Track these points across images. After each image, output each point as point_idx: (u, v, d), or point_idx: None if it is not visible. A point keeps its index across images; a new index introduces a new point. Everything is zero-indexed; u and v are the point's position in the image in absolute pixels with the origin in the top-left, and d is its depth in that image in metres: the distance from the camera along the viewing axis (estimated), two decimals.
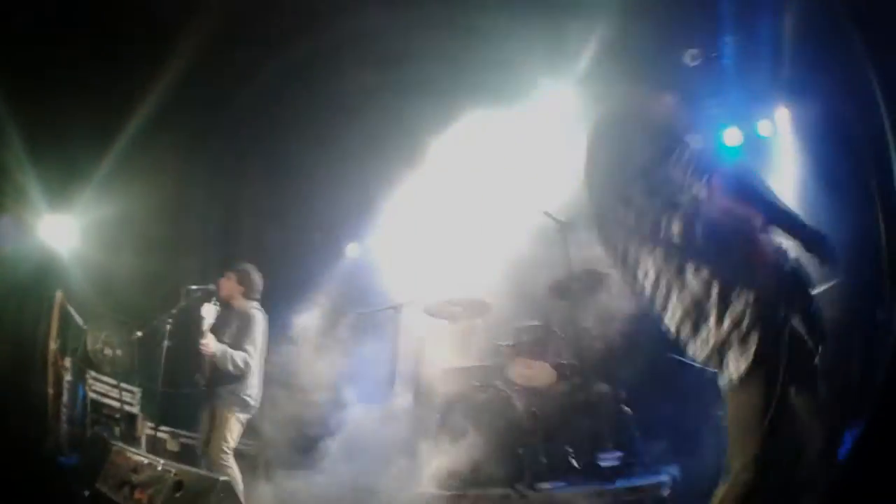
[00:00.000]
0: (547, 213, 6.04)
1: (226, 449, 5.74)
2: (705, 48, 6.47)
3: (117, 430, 7.42)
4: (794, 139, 6.44)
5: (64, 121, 6.53)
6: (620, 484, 4.99)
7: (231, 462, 5.74)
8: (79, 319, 7.28)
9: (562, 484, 5.09)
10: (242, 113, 7.65)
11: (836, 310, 4.60)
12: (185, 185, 7.54)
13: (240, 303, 6.25)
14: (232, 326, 6.09)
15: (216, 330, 6.05)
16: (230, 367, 5.82)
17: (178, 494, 4.25)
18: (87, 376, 7.43)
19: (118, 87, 6.70)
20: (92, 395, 7.43)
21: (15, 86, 6.06)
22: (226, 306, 6.24)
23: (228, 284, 6.23)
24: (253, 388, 6.01)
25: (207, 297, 6.17)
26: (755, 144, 6.69)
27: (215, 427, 5.82)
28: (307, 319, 8.06)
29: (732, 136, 6.68)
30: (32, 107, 6.29)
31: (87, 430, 7.08)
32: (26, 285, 7.11)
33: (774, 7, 6.11)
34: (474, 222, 7.24)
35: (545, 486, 5.02)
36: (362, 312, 7.54)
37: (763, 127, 6.71)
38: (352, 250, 9.07)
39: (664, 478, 5.05)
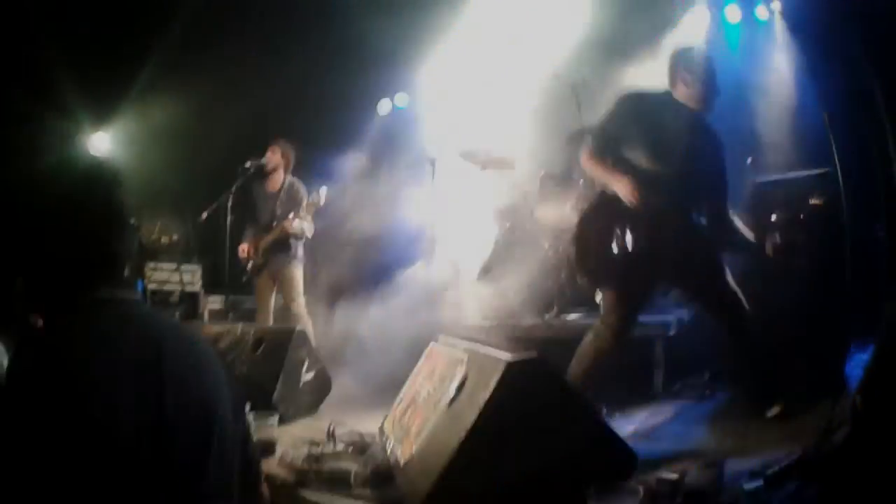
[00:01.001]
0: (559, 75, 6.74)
1: (300, 301, 6.94)
2: None
3: (177, 313, 8.57)
4: (787, 26, 6.90)
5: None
6: None
7: (305, 313, 6.92)
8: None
9: (583, 314, 5.92)
10: None
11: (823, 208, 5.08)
12: (221, 72, 8.33)
13: (284, 174, 7.27)
14: (282, 197, 7.13)
15: (273, 202, 7.14)
16: (298, 236, 6.95)
17: (258, 351, 5.11)
18: (146, 269, 8.49)
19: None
20: (151, 285, 8.48)
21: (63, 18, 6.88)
22: (271, 179, 7.25)
23: (274, 158, 7.18)
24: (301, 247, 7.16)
25: (259, 170, 7.16)
26: (753, 27, 7.20)
27: (286, 288, 6.99)
28: (351, 169, 9.05)
29: (733, 14, 7.23)
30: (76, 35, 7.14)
31: None
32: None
33: None
34: (502, 79, 7.98)
35: (569, 316, 5.89)
36: (399, 167, 8.49)
37: (760, 11, 7.18)
38: (387, 106, 9.99)
39: (670, 318, 5.54)
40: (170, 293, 8.65)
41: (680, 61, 4.37)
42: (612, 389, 4.79)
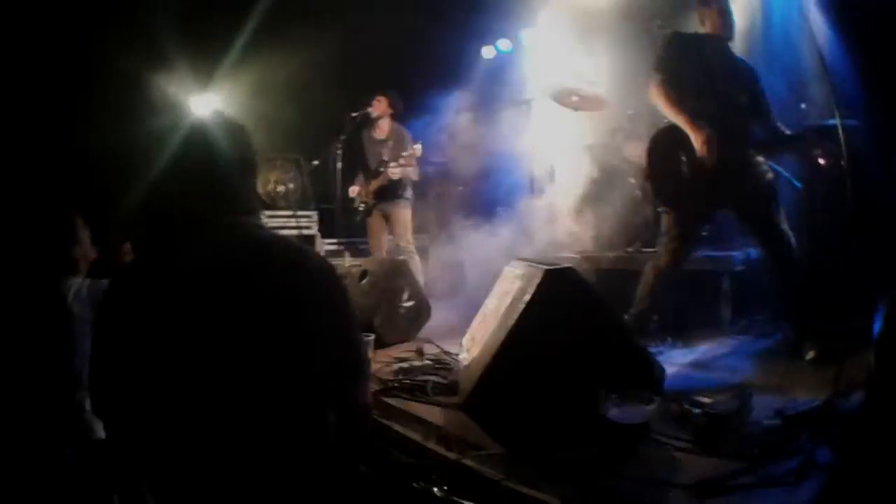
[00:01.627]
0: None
1: (409, 238, 7.64)
2: None
3: None
4: None
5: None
6: (701, 253, 5.66)
7: (414, 249, 7.60)
8: None
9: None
10: None
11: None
12: (329, 23, 8.90)
13: (390, 122, 7.87)
14: (390, 144, 7.74)
15: (381, 149, 7.76)
16: (407, 180, 7.61)
17: (364, 281, 5.69)
18: (263, 217, 9.21)
19: None
20: None
21: None
22: (378, 126, 7.86)
23: (380, 106, 7.79)
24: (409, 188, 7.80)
25: (366, 119, 7.78)
26: None
27: (395, 227, 7.70)
28: (457, 109, 9.57)
29: None
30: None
31: None
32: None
33: None
34: (599, 27, 8.20)
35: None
36: (502, 107, 9.02)
37: None
38: (489, 51, 10.33)
39: (738, 254, 5.76)
40: (292, 236, 9.35)
41: (703, 12, 4.82)
42: (680, 321, 5.20)
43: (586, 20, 8.30)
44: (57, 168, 7.24)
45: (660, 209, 4.91)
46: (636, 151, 6.82)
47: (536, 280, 2.90)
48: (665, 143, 4.76)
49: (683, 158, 4.61)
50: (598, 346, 2.89)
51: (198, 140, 2.23)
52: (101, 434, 2.92)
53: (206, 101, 9.27)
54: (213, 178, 2.20)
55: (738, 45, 5.18)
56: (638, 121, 6.97)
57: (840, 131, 3.50)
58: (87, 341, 3.21)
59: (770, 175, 4.76)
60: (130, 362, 2.00)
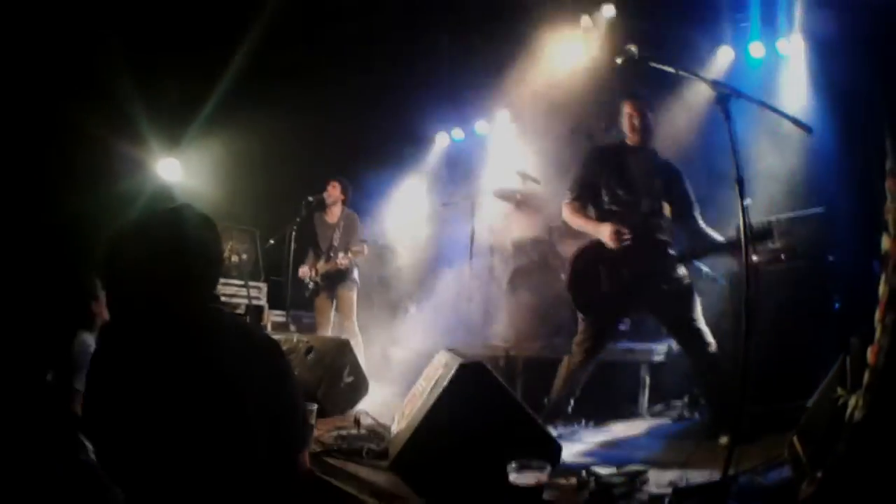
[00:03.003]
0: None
1: (354, 319, 8.30)
2: None
3: None
4: (806, 60, 7.48)
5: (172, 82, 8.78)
6: (621, 345, 6.41)
7: (357, 329, 8.24)
8: None
9: None
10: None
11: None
12: (289, 102, 9.69)
13: (342, 207, 8.63)
14: (340, 228, 8.49)
15: (332, 233, 8.47)
16: (355, 265, 8.29)
17: (310, 356, 6.27)
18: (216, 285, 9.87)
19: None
20: (221, 297, 9.85)
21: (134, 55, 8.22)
22: (330, 210, 8.60)
23: (334, 192, 8.58)
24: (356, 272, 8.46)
25: (320, 203, 8.53)
26: (775, 62, 7.80)
27: (342, 307, 8.37)
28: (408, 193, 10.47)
29: (757, 50, 7.90)
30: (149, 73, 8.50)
31: None
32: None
33: None
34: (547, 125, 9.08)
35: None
36: (445, 203, 9.83)
37: (782, 45, 7.79)
38: (444, 139, 11.37)
39: (660, 346, 6.33)
40: (237, 306, 9.98)
41: (625, 109, 5.35)
42: (597, 406, 5.74)
43: (536, 117, 9.21)
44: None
45: (578, 314, 5.39)
46: (568, 249, 7.55)
47: (453, 370, 3.69)
48: (587, 257, 5.28)
49: (603, 272, 5.16)
50: (502, 425, 3.64)
51: (175, 234, 2.59)
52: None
53: (172, 166, 9.98)
54: (185, 267, 2.57)
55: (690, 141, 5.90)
56: None
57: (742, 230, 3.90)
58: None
59: (686, 278, 5.17)
60: (118, 421, 2.40)
